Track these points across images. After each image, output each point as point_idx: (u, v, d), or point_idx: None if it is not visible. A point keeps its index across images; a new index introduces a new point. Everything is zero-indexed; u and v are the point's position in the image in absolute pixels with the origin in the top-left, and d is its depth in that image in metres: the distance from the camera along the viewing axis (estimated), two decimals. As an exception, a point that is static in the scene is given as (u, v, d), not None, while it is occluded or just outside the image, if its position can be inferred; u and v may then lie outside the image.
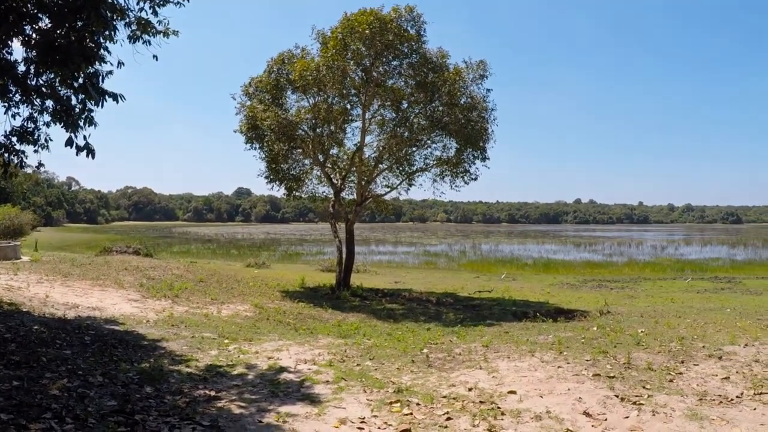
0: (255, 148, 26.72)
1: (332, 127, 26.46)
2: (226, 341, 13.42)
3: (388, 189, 29.10)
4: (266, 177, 27.40)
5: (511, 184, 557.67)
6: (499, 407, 8.51)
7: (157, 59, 11.55)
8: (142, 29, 11.10)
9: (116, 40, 10.20)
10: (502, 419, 8.04)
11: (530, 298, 25.72)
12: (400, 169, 28.19)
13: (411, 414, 8.20)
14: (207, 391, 9.13)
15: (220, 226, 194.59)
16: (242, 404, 8.57)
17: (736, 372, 10.78)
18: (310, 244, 79.83)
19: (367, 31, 23.75)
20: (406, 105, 26.28)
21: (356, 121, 27.28)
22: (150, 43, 11.28)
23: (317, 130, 26.40)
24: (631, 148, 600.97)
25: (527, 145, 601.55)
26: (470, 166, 26.93)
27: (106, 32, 9.70)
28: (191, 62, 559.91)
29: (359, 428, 7.75)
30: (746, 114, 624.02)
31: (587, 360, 11.43)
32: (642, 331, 14.99)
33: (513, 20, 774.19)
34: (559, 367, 10.87)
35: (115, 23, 9.96)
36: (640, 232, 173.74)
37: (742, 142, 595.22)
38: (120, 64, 10.95)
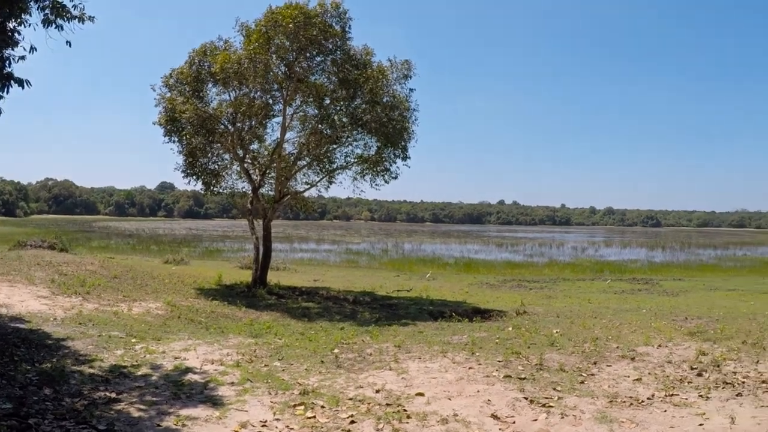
0: (173, 141, 26.13)
1: (253, 122, 26.08)
2: (134, 340, 13.00)
3: (308, 186, 28.82)
4: (183, 171, 26.82)
5: (436, 184, 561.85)
6: (405, 410, 8.38)
7: (70, 45, 11.08)
8: (57, 13, 10.64)
9: (29, 24, 9.83)
10: (407, 422, 7.91)
11: (448, 298, 25.74)
12: (321, 166, 27.91)
13: (314, 417, 8.03)
14: (108, 393, 8.83)
15: (141, 220, 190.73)
16: (142, 407, 8.30)
17: (649, 373, 10.89)
18: (232, 240, 78.87)
19: (291, 26, 23.38)
20: (328, 102, 26.02)
21: (278, 116, 26.91)
22: (62, 28, 10.84)
23: (237, 124, 25.98)
24: (555, 151, 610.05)
25: (453, 145, 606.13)
26: (391, 165, 26.81)
27: (19, 15, 9.31)
28: (114, 51, 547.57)
29: (259, 432, 7.56)
30: (663, 122, 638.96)
31: (499, 361, 11.39)
32: (557, 332, 15.08)
33: (443, 21, 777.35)
34: (470, 368, 10.81)
35: (28, 5, 9.58)
36: (561, 233, 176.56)
37: (663, 149, 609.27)
38: (32, 49, 10.52)
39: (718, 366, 11.48)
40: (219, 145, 26.50)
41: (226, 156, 27.69)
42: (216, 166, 27.72)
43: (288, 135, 27.06)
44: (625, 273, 47.16)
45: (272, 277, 27.77)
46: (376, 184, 27.44)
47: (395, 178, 27.21)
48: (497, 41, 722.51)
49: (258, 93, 25.59)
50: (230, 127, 25.96)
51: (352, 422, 7.86)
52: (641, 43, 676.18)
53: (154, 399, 8.69)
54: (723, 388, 10.02)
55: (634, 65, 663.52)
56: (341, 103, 25.82)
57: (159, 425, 7.59)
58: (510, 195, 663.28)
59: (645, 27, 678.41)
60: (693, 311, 20.69)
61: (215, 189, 28.21)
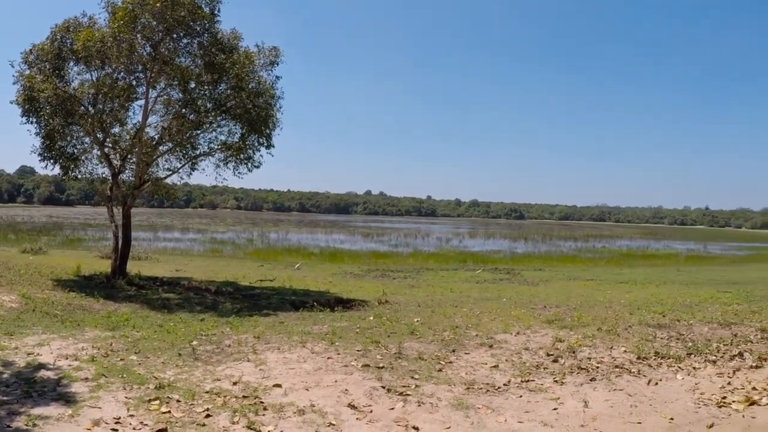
0: (31, 123, 24.95)
1: (115, 104, 25.17)
2: (-16, 336, 12.46)
3: (170, 172, 28.09)
4: (40, 155, 25.63)
5: (303, 173, 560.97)
6: (262, 402, 8.38)
7: None
8: None
9: None
10: (263, 415, 7.91)
11: (312, 288, 25.69)
12: (183, 152, 27.20)
13: (169, 412, 7.92)
14: (-47, 394, 8.41)
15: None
16: (-9, 407, 7.93)
17: (506, 360, 11.23)
18: (94, 229, 76.08)
19: (158, 5, 22.57)
20: (193, 85, 25.37)
21: (141, 99, 26.01)
22: None
23: (98, 106, 25.03)
24: (422, 143, 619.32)
25: (322, 135, 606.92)
26: (254, 153, 26.42)
27: None
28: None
29: (113, 430, 7.39)
30: (530, 117, 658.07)
31: (358, 350, 11.50)
32: (417, 321, 15.33)
33: (316, 6, 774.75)
34: (329, 358, 10.88)
35: None
36: (427, 224, 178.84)
37: (528, 144, 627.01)
38: None
39: (574, 352, 12.01)
40: (79, 127, 25.49)
41: (86, 139, 26.58)
42: (75, 150, 26.54)
43: (151, 119, 26.18)
44: (488, 263, 48.26)
45: (133, 267, 26.98)
46: (239, 172, 26.96)
47: (258, 166, 26.84)
48: (370, 32, 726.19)
49: (121, 74, 24.67)
50: (91, 108, 24.96)
51: (208, 416, 7.79)
52: (508, 38, 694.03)
53: (4, 398, 8.34)
54: (578, 373, 10.52)
55: (503, 59, 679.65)
56: (206, 87, 25.28)
57: (9, 426, 7.31)
58: (377, 185, 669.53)
59: (498, 19, 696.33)
60: (552, 300, 21.43)
61: (74, 174, 27.09)
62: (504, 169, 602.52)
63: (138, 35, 23.57)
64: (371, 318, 15.78)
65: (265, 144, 26.23)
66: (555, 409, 8.63)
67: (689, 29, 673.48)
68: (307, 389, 9.02)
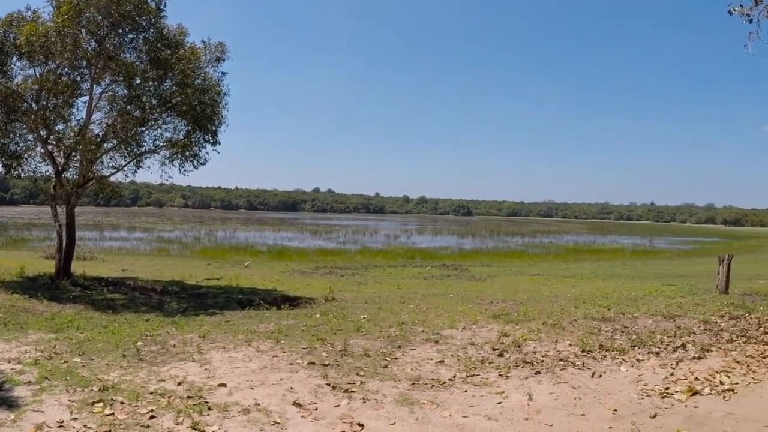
0: (-28, 119, 24.41)
1: (59, 101, 24.73)
2: None
3: (114, 170, 27.66)
4: (-20, 153, 25.15)
5: (252, 170, 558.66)
6: (207, 402, 8.32)
7: None
8: None
9: None
10: (208, 415, 7.85)
11: (259, 286, 25.53)
12: (128, 149, 26.79)
13: (113, 414, 7.81)
14: None
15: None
16: (-71, 415, 7.75)
17: (451, 355, 11.31)
18: (39, 228, 74.50)
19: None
20: (138, 81, 24.98)
21: (85, 95, 25.55)
22: None
23: (42, 102, 24.57)
24: (370, 141, 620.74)
25: (270, 132, 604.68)
26: (200, 150, 26.17)
27: None
28: None
29: (56, 434, 7.28)
30: (469, 118, 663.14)
31: (304, 348, 11.48)
32: (364, 317, 15.35)
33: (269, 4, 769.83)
34: (274, 356, 10.84)
35: None
36: (375, 221, 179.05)
37: (475, 141, 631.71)
38: None
39: (519, 346, 12.15)
40: (21, 124, 25.01)
41: (30, 137, 26.11)
42: (18, 148, 26.07)
43: (95, 116, 25.72)
44: (436, 259, 48.44)
45: (78, 268, 26.55)
46: (184, 170, 26.62)
47: (204, 163, 26.56)
48: (320, 30, 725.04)
49: (65, 69, 24.22)
50: (34, 105, 24.49)
51: (152, 417, 7.71)
52: (438, 37, 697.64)
53: (-57, 403, 8.17)
54: (522, 367, 10.64)
55: (449, 58, 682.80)
56: (151, 83, 24.95)
57: (-53, 432, 7.17)
58: (325, 183, 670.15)
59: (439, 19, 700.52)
60: (498, 295, 21.61)
61: (17, 172, 26.58)
62: (452, 166, 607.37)
63: (83, 30, 23.13)
64: (318, 315, 15.76)
65: (211, 141, 25.97)
66: (499, 403, 8.72)
67: (625, 27, 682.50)
68: (252, 388, 8.98)
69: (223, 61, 25.91)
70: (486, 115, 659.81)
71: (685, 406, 8.81)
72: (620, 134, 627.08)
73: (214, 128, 25.60)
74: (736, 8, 16.09)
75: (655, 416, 8.38)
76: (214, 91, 25.38)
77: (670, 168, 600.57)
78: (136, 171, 27.95)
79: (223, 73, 26.09)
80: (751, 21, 16.10)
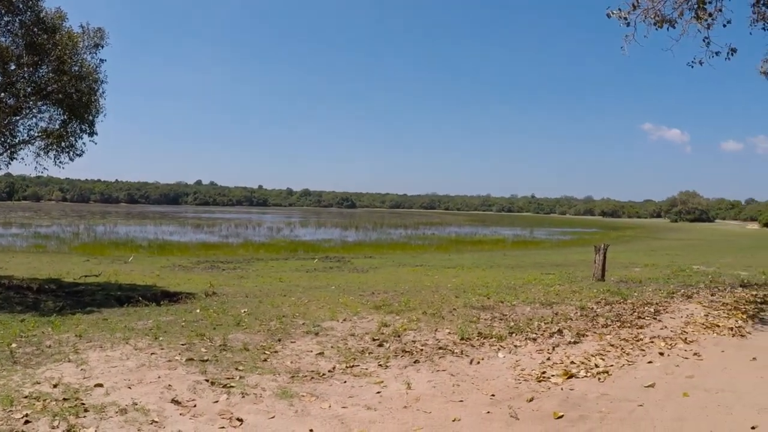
0: None
1: None
2: None
3: (-16, 163, 26.45)
4: None
5: (132, 162, 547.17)
6: (83, 403, 8.07)
7: None
8: None
9: None
10: (84, 416, 7.65)
11: (139, 282, 24.92)
12: (2, 140, 25.73)
13: (-15, 421, 7.53)
14: None
15: None
16: None
17: (331, 347, 11.37)
18: None
19: (-22, -21, 21.37)
20: (13, 67, 24.02)
21: (-47, 83, 24.48)
22: None
23: None
24: (253, 132, 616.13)
25: (150, 122, 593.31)
26: (76, 141, 25.25)
27: None
28: None
29: None
30: (352, 110, 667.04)
31: (183, 344, 11.31)
32: (245, 311, 15.23)
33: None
34: (152, 353, 10.64)
35: None
36: (259, 214, 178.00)
37: (359, 134, 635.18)
38: None
39: (399, 336, 12.32)
40: None
41: None
42: None
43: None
44: (319, 252, 48.57)
45: (-54, 267, 25.51)
46: (60, 161, 25.69)
47: (80, 155, 25.59)
48: (201, 21, 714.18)
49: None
50: None
51: (27, 422, 7.43)
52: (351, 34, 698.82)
53: None
54: (402, 356, 10.79)
55: (333, 49, 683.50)
56: (26, 69, 23.97)
57: None
58: (207, 175, 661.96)
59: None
60: (380, 286, 21.80)
61: None
62: (335, 158, 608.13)
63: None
64: (198, 311, 15.54)
65: (88, 131, 25.14)
66: (379, 392, 8.83)
67: (512, 22, 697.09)
68: (129, 387, 8.79)
69: (102, 47, 25.06)
70: (370, 107, 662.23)
71: (561, 389, 9.14)
72: (503, 128, 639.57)
73: (90, 118, 24.75)
74: (614, 11, 16.82)
75: (531, 400, 8.65)
76: (92, 78, 24.53)
77: (551, 162, 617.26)
78: (9, 163, 26.81)
79: (102, 60, 25.27)
80: (628, 24, 16.86)
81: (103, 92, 25.29)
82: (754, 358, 11.29)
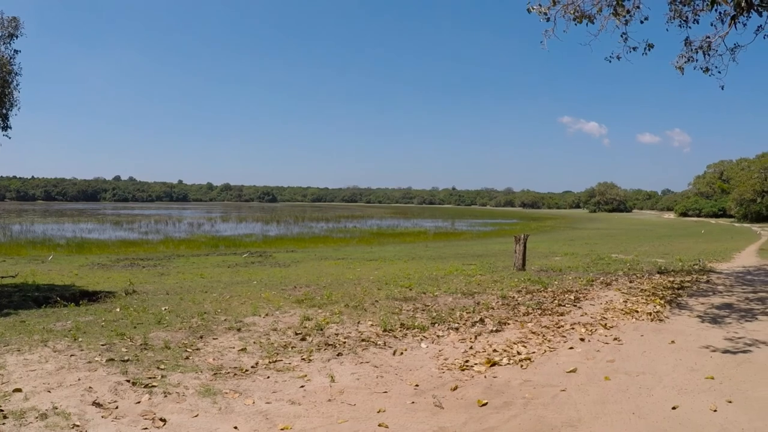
0: None
1: None
2: None
3: None
4: None
5: (48, 157, 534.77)
6: (1, 410, 7.85)
7: None
8: None
9: None
10: (3, 423, 7.44)
11: (57, 282, 24.33)
12: None
13: None
14: None
15: None
16: None
17: (254, 342, 11.31)
18: None
19: None
20: (-75, 59, 23.25)
21: None
22: None
23: None
24: (171, 125, 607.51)
25: (66, 114, 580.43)
26: (-11, 136, 24.58)
27: None
28: None
29: None
30: (271, 102, 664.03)
31: (103, 345, 11.10)
32: (165, 309, 15.03)
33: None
34: (72, 355, 10.42)
35: None
36: (179, 209, 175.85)
37: (278, 129, 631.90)
38: None
39: (322, 329, 12.36)
40: None
41: None
42: None
43: None
44: (240, 247, 48.34)
45: None
46: (-30, 159, 25.13)
47: (-8, 150, 25.10)
48: (120, 10, 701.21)
49: None
50: None
51: (-59, 432, 7.28)
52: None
53: None
54: (325, 349, 10.83)
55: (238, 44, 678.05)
56: (-62, 60, 23.23)
57: None
58: (126, 170, 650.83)
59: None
60: (302, 280, 21.75)
61: None
62: (256, 153, 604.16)
63: None
64: (117, 310, 15.26)
65: (2, 125, 24.49)
66: (302, 386, 8.84)
67: (430, 25, 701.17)
68: (49, 391, 8.60)
69: (17, 37, 24.39)
70: (289, 101, 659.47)
71: (485, 377, 9.31)
72: (419, 121, 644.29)
73: (4, 111, 24.10)
74: (535, 7, 17.08)
75: (456, 388, 8.78)
76: (5, 70, 23.88)
77: (471, 155, 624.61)
78: None
79: (16, 51, 24.57)
80: (548, 19, 17.15)
81: (17, 84, 24.63)
82: (673, 341, 11.68)
